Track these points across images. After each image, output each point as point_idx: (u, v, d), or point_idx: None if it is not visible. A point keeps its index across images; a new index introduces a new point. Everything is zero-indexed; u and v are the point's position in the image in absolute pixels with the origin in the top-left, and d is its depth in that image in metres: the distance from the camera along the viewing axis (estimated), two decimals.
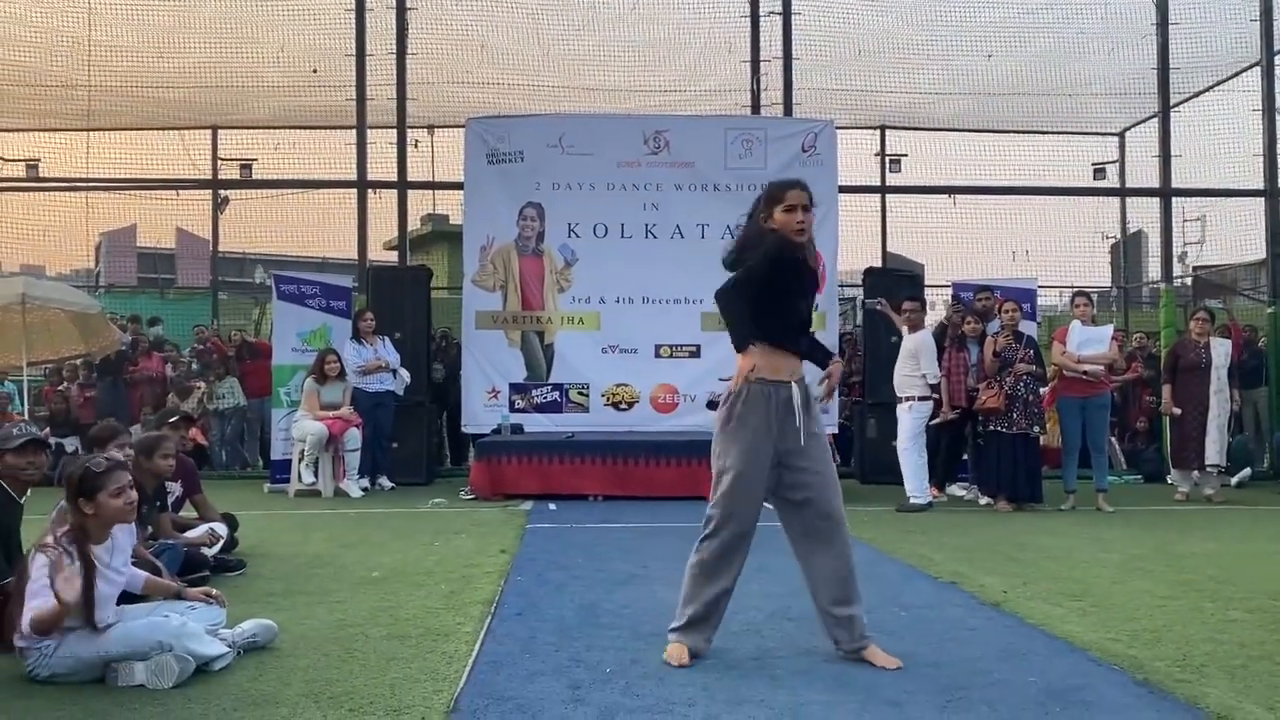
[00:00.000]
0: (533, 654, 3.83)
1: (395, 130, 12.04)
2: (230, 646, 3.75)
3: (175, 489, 5.97)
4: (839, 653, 3.75)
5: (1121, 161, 15.64)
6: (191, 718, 3.14)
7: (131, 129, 14.34)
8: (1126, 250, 17.44)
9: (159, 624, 3.63)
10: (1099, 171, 15.77)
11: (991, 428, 8.44)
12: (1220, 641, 4.03)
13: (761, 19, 11.95)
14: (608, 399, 10.49)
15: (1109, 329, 8.89)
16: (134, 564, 4.19)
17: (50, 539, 3.56)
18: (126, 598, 3.85)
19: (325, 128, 13.89)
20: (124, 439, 5.01)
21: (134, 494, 3.79)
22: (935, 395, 8.69)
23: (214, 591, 4.05)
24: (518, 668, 3.64)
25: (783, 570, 5.59)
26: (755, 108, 11.94)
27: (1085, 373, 8.41)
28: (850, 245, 13.53)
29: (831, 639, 3.76)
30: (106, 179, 13.62)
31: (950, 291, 11.53)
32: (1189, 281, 18.36)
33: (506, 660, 3.73)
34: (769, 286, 3.64)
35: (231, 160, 14.83)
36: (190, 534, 5.58)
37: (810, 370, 3.85)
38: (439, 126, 13.77)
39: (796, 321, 3.76)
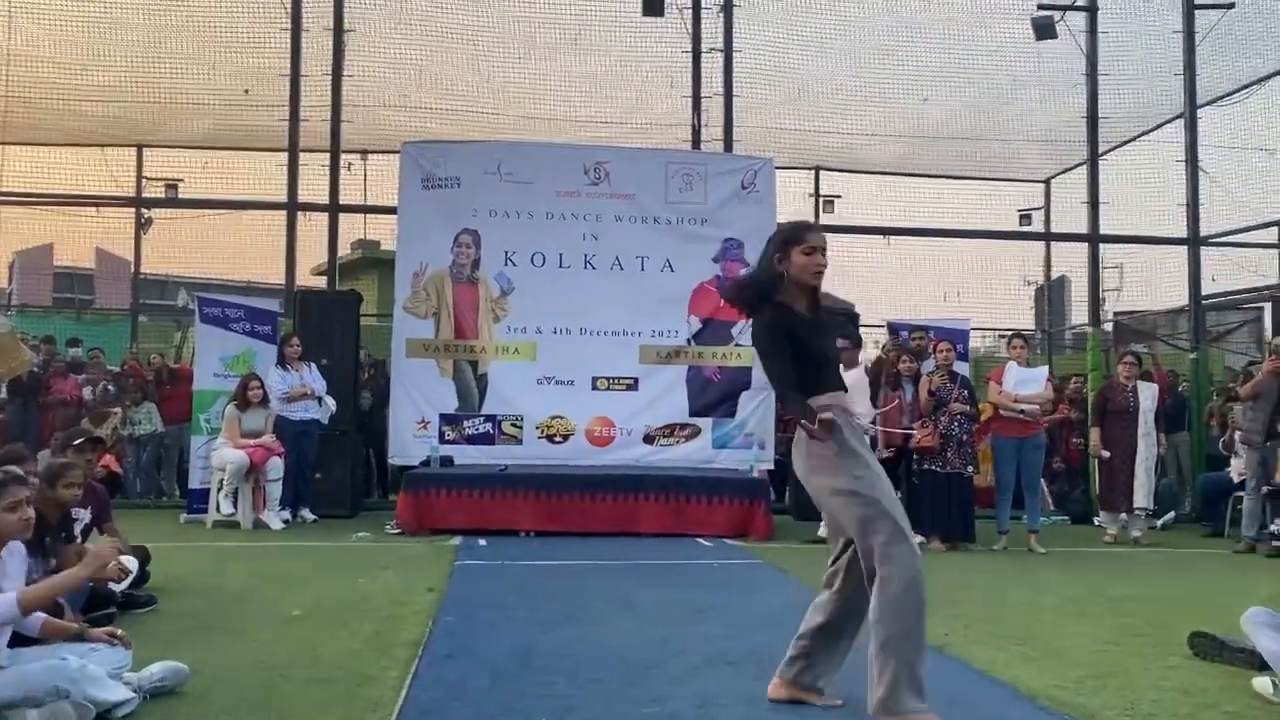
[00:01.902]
0: (462, 701, 3.63)
1: (328, 154, 11.78)
2: (136, 692, 3.50)
3: (84, 516, 5.64)
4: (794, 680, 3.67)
5: (1047, 208, 16.02)
6: None
7: (50, 145, 13.85)
8: (1050, 295, 17.81)
9: (56, 667, 3.36)
10: (1025, 217, 16.12)
11: (926, 467, 8.44)
12: (1164, 689, 3.98)
13: (703, 56, 11.99)
14: (542, 431, 10.27)
15: (1044, 370, 9.00)
16: None
17: None
18: (20, 640, 3.56)
19: (256, 149, 13.58)
20: (29, 466, 4.69)
21: (30, 511, 3.55)
22: (870, 431, 8.69)
23: (119, 632, 3.78)
24: (446, 715, 3.44)
25: (722, 610, 5.48)
26: (696, 143, 11.94)
27: (1022, 412, 8.46)
28: None
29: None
30: (21, 193, 13.08)
31: (884, 330, 11.61)
32: (1109, 327, 18.82)
33: (434, 708, 3.53)
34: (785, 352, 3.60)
35: (156, 179, 14.41)
36: None
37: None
38: (373, 152, 13.55)
39: (825, 362, 3.69)
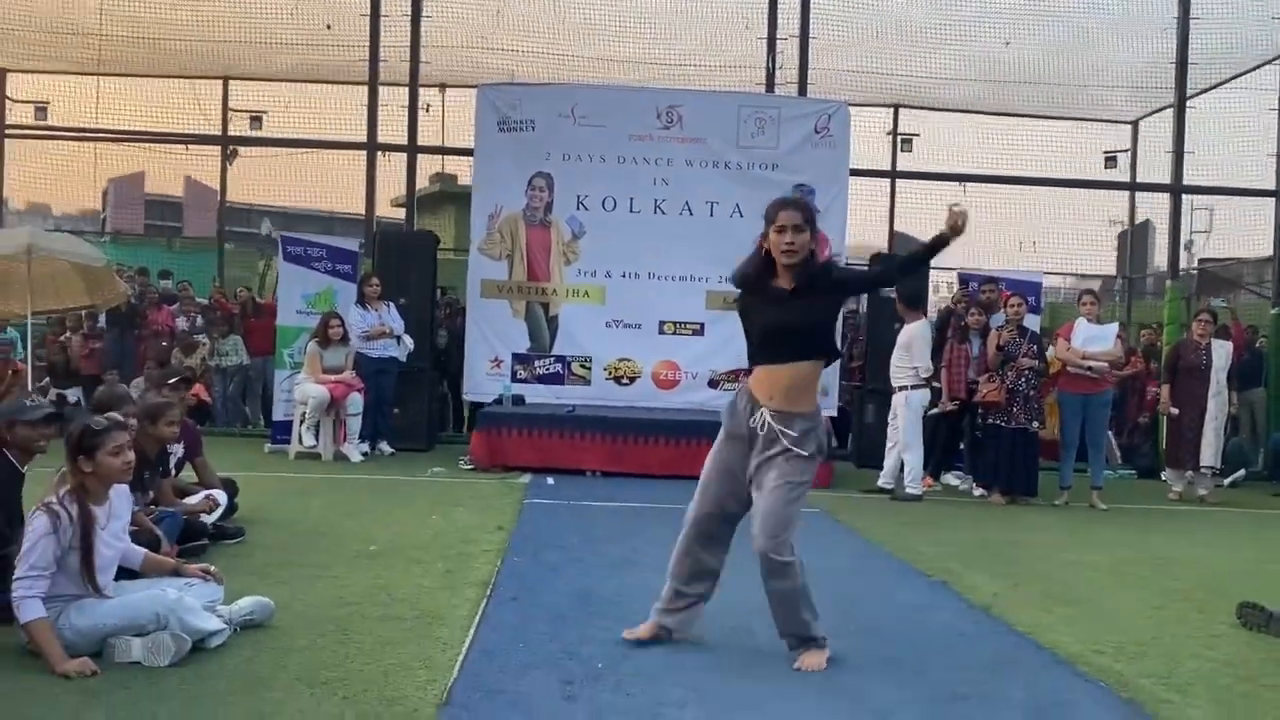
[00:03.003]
0: (526, 643, 3.87)
1: (407, 90, 11.96)
2: (227, 624, 3.79)
3: (177, 450, 6.00)
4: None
5: (1134, 151, 15.56)
6: (187, 700, 3.17)
7: (142, 75, 14.31)
8: (1133, 240, 17.38)
9: (157, 598, 3.67)
10: (1110, 160, 15.70)
11: (990, 421, 8.46)
12: (1205, 658, 4.07)
13: None
14: (610, 373, 10.51)
15: (1113, 327, 8.91)
16: (134, 533, 4.24)
17: (53, 498, 3.60)
18: (123, 574, 3.89)
19: (337, 83, 13.85)
20: (128, 408, 5.03)
21: (132, 454, 3.83)
22: (934, 383, 8.75)
23: (212, 568, 4.08)
24: (510, 658, 3.68)
25: None
26: (770, 86, 11.84)
27: (1089, 369, 8.42)
28: (859, 223, 13.62)
29: None
30: (116, 131, 13.59)
31: (955, 276, 11.55)
32: (1194, 271, 18.36)
33: (499, 650, 3.77)
34: (741, 314, 3.87)
35: (242, 112, 14.80)
36: (189, 500, 5.62)
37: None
38: (451, 86, 13.75)
39: (767, 340, 3.78)
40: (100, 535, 3.65)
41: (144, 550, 4.06)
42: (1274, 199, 12.29)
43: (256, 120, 14.68)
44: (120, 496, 3.90)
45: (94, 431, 3.69)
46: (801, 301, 3.72)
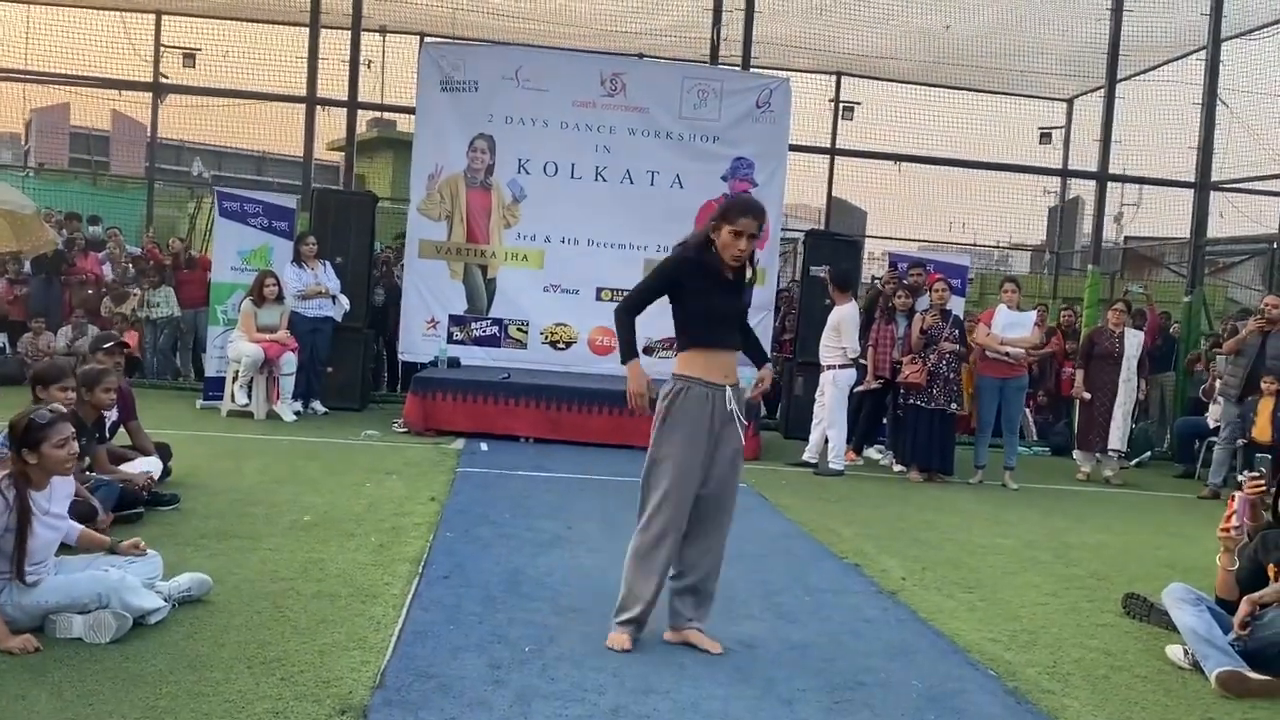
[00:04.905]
0: (457, 625, 4.05)
1: (347, 37, 11.81)
2: (166, 600, 3.90)
3: (112, 415, 6.04)
4: (672, 626, 4.03)
5: (1068, 128, 16.02)
6: (129, 678, 3.29)
7: (73, 6, 13.97)
8: (1063, 216, 17.92)
9: (99, 577, 3.77)
10: (1045, 135, 16.16)
11: (911, 401, 8.78)
12: (1089, 648, 4.40)
13: None
14: (546, 337, 10.65)
15: (1032, 314, 9.26)
16: (73, 503, 4.30)
17: None
18: (64, 549, 3.97)
19: (276, 23, 13.64)
20: (68, 381, 5.05)
21: (76, 446, 3.88)
22: (861, 360, 9.04)
23: (141, 544, 4.13)
24: (442, 641, 3.85)
25: None
26: (714, 57, 11.94)
27: (1007, 354, 8.77)
28: (798, 183, 13.94)
29: (672, 612, 4.03)
30: (44, 73, 13.29)
31: (885, 255, 11.85)
32: (1121, 242, 19.02)
33: (431, 631, 3.94)
34: (680, 287, 3.91)
35: (174, 49, 14.50)
36: (125, 467, 5.67)
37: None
38: (392, 31, 13.66)
39: (720, 318, 3.94)
40: (42, 520, 3.71)
41: (80, 526, 4.13)
42: (1193, 190, 12.73)
43: (190, 58, 14.41)
44: (61, 479, 3.95)
45: (39, 425, 3.72)
46: (738, 289, 3.98)
